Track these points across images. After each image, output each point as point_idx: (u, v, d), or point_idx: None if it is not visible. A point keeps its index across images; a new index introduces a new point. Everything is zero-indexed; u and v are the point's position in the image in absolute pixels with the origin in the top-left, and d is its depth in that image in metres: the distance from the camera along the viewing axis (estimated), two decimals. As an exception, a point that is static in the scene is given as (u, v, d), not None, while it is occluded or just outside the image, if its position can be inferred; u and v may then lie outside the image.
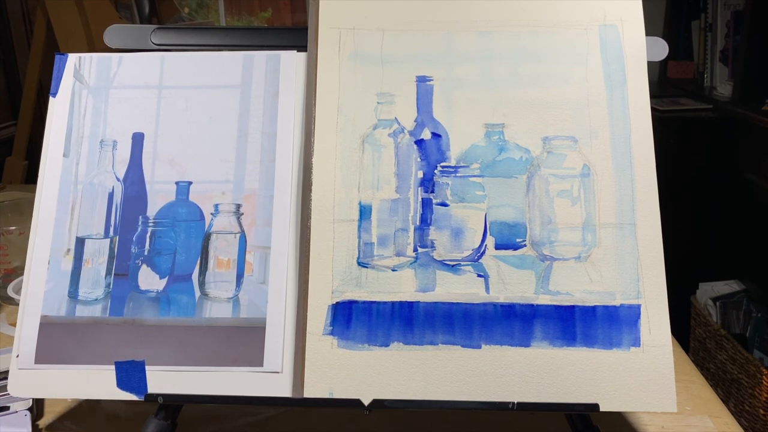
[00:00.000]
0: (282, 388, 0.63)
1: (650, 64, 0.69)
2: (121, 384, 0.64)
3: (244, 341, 0.65)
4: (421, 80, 0.69)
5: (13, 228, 1.05)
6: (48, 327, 0.66)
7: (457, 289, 0.64)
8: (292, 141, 0.70)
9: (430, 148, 0.68)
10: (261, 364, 0.64)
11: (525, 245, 0.65)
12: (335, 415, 0.76)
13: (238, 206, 0.69)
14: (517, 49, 0.69)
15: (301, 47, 0.71)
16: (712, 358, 1.76)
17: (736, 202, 2.01)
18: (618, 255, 0.64)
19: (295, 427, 0.75)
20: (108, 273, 0.68)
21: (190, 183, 0.69)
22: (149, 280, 0.68)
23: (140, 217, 0.69)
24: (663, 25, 2.44)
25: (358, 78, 0.69)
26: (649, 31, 0.69)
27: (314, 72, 0.69)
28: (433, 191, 0.67)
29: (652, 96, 0.70)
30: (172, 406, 0.67)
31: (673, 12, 2.41)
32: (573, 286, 0.64)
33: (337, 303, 0.64)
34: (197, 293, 0.67)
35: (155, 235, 0.68)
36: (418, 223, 0.66)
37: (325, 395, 0.62)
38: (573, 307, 0.63)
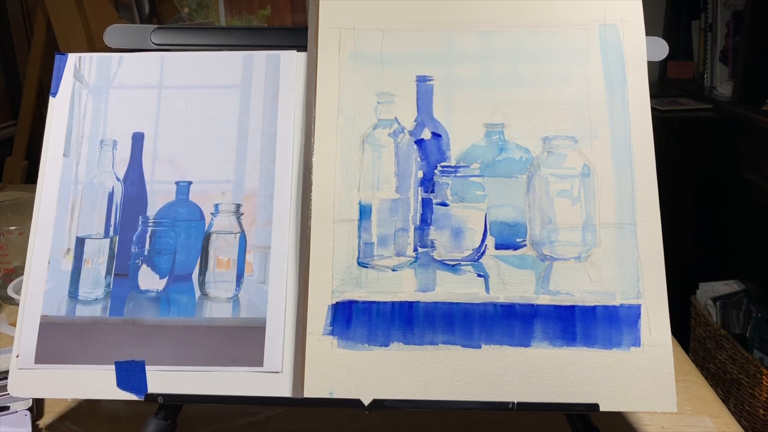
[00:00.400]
0: (282, 388, 0.63)
1: (650, 64, 0.69)
2: (121, 384, 0.64)
3: (244, 341, 0.65)
4: (421, 80, 0.69)
5: (13, 228, 1.05)
6: (48, 327, 0.66)
7: (457, 289, 0.64)
8: (292, 141, 0.70)
9: (430, 148, 0.68)
10: (261, 364, 0.64)
11: (525, 245, 0.65)
12: (335, 415, 0.76)
13: (238, 206, 0.69)
14: (517, 49, 0.69)
15: (301, 47, 0.71)
16: (712, 358, 1.76)
17: (736, 202, 2.01)
18: (618, 255, 0.64)
19: (295, 427, 0.75)
20: (108, 273, 0.68)
21: (190, 183, 0.69)
22: (149, 280, 0.68)
23: (140, 217, 0.69)
24: (663, 25, 2.44)
25: (358, 78, 0.69)
26: (649, 31, 0.69)
27: (314, 72, 0.69)
28: (433, 191, 0.67)
29: (652, 96, 0.70)
30: (172, 406, 0.67)
31: (673, 12, 2.41)
32: (573, 286, 0.64)
33: (337, 303, 0.64)
34: (197, 293, 0.67)
35: (155, 235, 0.68)
36: (418, 223, 0.66)
37: (325, 395, 0.62)
38: (573, 307, 0.63)
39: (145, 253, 0.68)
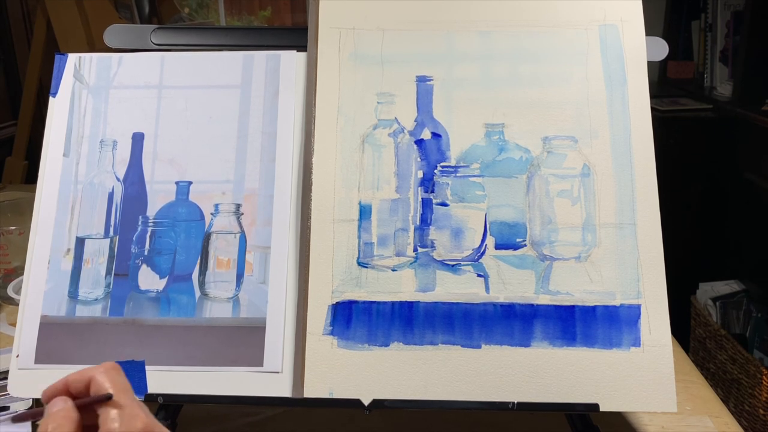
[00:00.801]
0: (282, 388, 0.63)
1: (650, 64, 0.69)
2: (121, 384, 0.64)
3: (244, 341, 0.65)
4: (421, 80, 0.69)
5: (13, 228, 1.05)
6: (48, 327, 0.66)
7: (457, 289, 0.64)
8: (292, 141, 0.70)
9: (430, 148, 0.68)
10: (261, 364, 0.64)
11: (525, 245, 0.65)
12: (335, 415, 0.76)
13: (238, 206, 0.69)
14: (517, 49, 0.69)
15: (301, 47, 0.71)
16: (712, 358, 1.76)
17: (736, 202, 2.01)
18: (618, 255, 0.64)
19: (295, 427, 0.75)
20: (108, 273, 0.68)
21: (190, 183, 0.69)
22: (149, 280, 0.67)
23: (140, 217, 0.69)
24: (663, 25, 2.44)
25: (358, 78, 0.69)
26: (649, 31, 0.69)
27: (314, 72, 0.69)
28: (433, 191, 0.67)
29: (652, 96, 0.70)
30: (172, 406, 0.67)
31: (673, 12, 2.41)
32: (573, 286, 0.64)
33: (337, 303, 0.64)
34: (197, 293, 0.67)
35: (155, 235, 0.68)
36: (418, 223, 0.66)
37: (325, 395, 0.62)
38: (573, 307, 0.63)
39: (145, 253, 0.68)
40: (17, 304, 0.75)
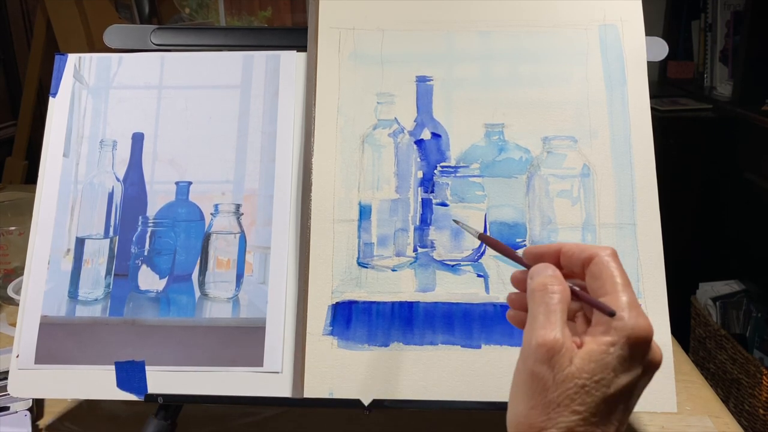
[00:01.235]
0: (282, 388, 0.63)
1: (650, 64, 0.69)
2: (121, 384, 0.64)
3: (244, 341, 0.65)
4: (421, 80, 0.69)
5: (13, 228, 1.05)
6: (48, 327, 0.66)
7: (457, 289, 0.64)
8: (292, 141, 0.70)
9: (430, 148, 0.68)
10: (261, 365, 0.64)
11: (525, 245, 0.65)
12: (335, 415, 0.76)
13: (238, 206, 0.69)
14: (517, 49, 0.69)
15: (301, 47, 0.71)
16: (712, 358, 1.76)
17: (736, 202, 2.01)
18: (618, 255, 0.64)
19: (295, 427, 0.75)
20: (108, 273, 0.68)
21: (190, 183, 0.69)
22: (149, 280, 0.68)
23: (140, 217, 0.69)
24: (663, 25, 2.44)
25: (358, 78, 0.69)
26: (649, 31, 0.69)
27: (314, 72, 0.69)
28: (432, 191, 0.67)
29: (652, 96, 0.70)
30: (172, 406, 0.67)
31: (673, 12, 2.41)
32: (573, 286, 0.64)
33: (337, 303, 0.64)
34: (197, 293, 0.67)
35: (155, 235, 0.68)
36: (417, 223, 0.66)
37: (325, 395, 0.62)
38: (573, 307, 0.63)
39: (145, 253, 0.68)
40: (17, 304, 0.75)
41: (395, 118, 0.68)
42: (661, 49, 0.71)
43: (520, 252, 0.47)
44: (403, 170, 0.67)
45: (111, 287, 0.67)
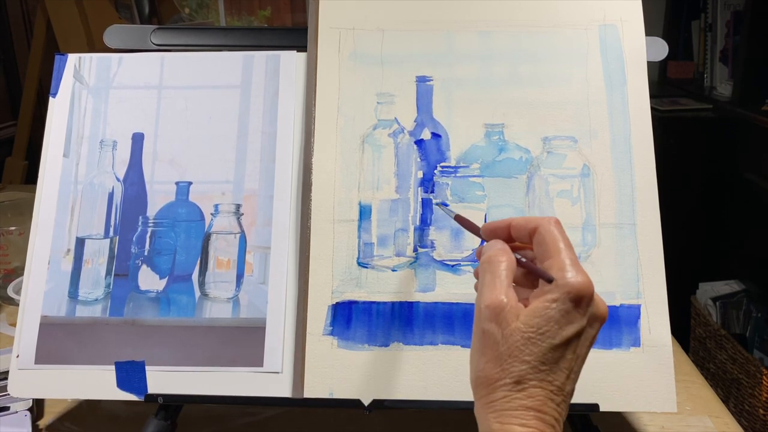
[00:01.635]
0: (282, 388, 0.63)
1: (650, 64, 0.69)
2: (121, 384, 0.64)
3: (244, 341, 0.65)
4: (421, 80, 0.69)
5: (13, 228, 1.05)
6: (48, 327, 0.66)
7: (457, 289, 0.64)
8: (292, 141, 0.70)
9: (430, 148, 0.68)
10: (261, 365, 0.64)
11: (525, 245, 0.65)
12: (335, 415, 0.76)
13: (238, 206, 0.69)
14: (517, 49, 0.69)
15: (301, 47, 0.71)
16: (712, 358, 1.76)
17: (736, 202, 2.01)
18: (618, 255, 0.64)
19: (295, 427, 0.75)
20: (108, 273, 0.68)
21: (190, 183, 0.69)
22: (149, 280, 0.68)
23: (140, 217, 0.69)
24: (663, 25, 2.44)
25: (358, 78, 0.69)
26: (649, 31, 0.69)
27: (314, 72, 0.69)
28: (433, 191, 0.67)
29: (652, 96, 0.70)
30: (172, 406, 0.67)
31: (673, 12, 2.41)
32: (573, 286, 0.64)
33: (337, 303, 0.64)
34: (197, 293, 0.67)
35: (155, 236, 0.68)
36: (418, 223, 0.66)
37: (325, 395, 0.62)
38: (573, 307, 0.63)
39: (145, 253, 0.68)
40: (17, 305, 0.75)
41: (395, 118, 0.68)
42: (661, 49, 0.71)
43: (482, 229, 0.52)
44: (403, 170, 0.67)
45: (111, 287, 0.67)
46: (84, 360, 0.65)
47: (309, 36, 0.71)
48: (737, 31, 2.12)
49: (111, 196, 0.70)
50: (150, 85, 0.72)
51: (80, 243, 0.69)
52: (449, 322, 0.64)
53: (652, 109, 0.68)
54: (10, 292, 0.97)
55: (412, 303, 0.64)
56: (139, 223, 0.69)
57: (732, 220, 2.05)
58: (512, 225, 0.49)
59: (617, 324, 0.63)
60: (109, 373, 0.65)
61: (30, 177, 1.98)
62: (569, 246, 0.46)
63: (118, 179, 0.70)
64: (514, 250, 0.48)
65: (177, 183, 0.70)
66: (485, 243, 0.49)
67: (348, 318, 0.64)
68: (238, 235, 0.68)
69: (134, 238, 0.69)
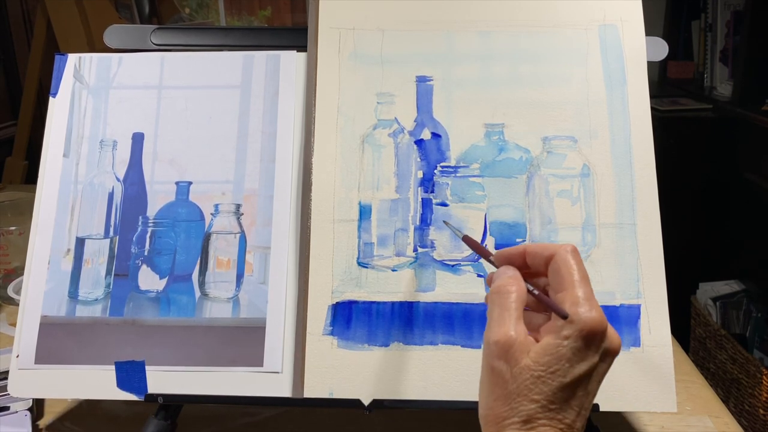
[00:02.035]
0: (282, 388, 0.63)
1: (650, 64, 0.69)
2: (121, 384, 0.64)
3: (244, 341, 0.65)
4: (421, 80, 0.69)
5: (13, 228, 1.05)
6: (48, 327, 0.66)
7: (457, 289, 0.64)
8: (292, 141, 0.70)
9: (430, 148, 0.68)
10: (261, 364, 0.64)
11: (525, 245, 0.65)
12: (335, 415, 0.76)
13: (238, 206, 0.69)
14: (517, 49, 0.69)
15: (301, 47, 0.71)
16: (712, 358, 1.76)
17: (736, 202, 2.01)
18: (618, 255, 0.64)
19: (295, 427, 0.75)
20: (108, 273, 0.68)
21: (190, 183, 0.69)
22: (149, 280, 0.68)
23: (140, 217, 0.69)
24: (663, 25, 2.44)
25: (358, 78, 0.69)
26: (649, 31, 0.69)
27: (314, 72, 0.69)
28: (433, 191, 0.67)
29: (652, 96, 0.70)
30: (172, 406, 0.67)
31: (673, 12, 2.41)
32: (573, 286, 0.64)
33: (337, 303, 0.64)
34: (197, 293, 0.67)
35: (155, 235, 0.68)
36: (418, 223, 0.66)
37: (325, 395, 0.62)
38: (573, 307, 0.63)
39: (145, 253, 0.68)
40: (17, 304, 0.75)
41: (395, 118, 0.68)
42: (661, 49, 0.71)
43: (495, 256, 0.50)
44: (403, 170, 0.67)
45: (111, 287, 0.67)
46: (84, 360, 0.65)
47: (309, 36, 0.71)
48: (737, 31, 2.12)
49: (111, 196, 0.70)
50: (150, 85, 0.72)
51: (80, 243, 0.69)
52: (449, 322, 0.64)
53: (652, 109, 0.68)
54: (10, 292, 0.97)
55: (412, 303, 0.64)
56: (139, 223, 0.69)
57: (732, 220, 2.05)
58: (527, 251, 0.47)
59: (617, 324, 0.63)
60: (109, 373, 0.65)
61: (30, 177, 1.98)
62: (585, 278, 0.44)
63: (118, 179, 0.70)
64: (528, 277, 0.46)
65: (177, 183, 0.70)
66: (497, 270, 0.48)
67: (348, 318, 0.64)
68: (238, 235, 0.68)
69: (134, 238, 0.69)
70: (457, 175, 0.67)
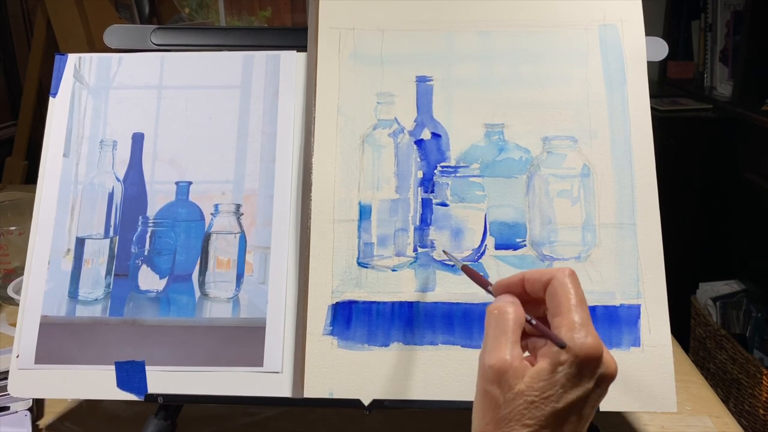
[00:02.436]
0: (282, 388, 0.63)
1: (650, 64, 0.69)
2: (121, 384, 0.64)
3: (244, 341, 0.65)
4: (421, 80, 0.69)
5: (13, 228, 1.05)
6: (48, 327, 0.66)
7: (457, 289, 0.64)
8: (292, 141, 0.70)
9: (430, 148, 0.68)
10: (261, 364, 0.64)
11: (525, 245, 0.65)
12: (335, 415, 0.76)
13: (238, 206, 0.69)
14: (517, 49, 0.69)
15: (301, 47, 0.71)
16: (712, 358, 1.76)
17: (736, 202, 2.01)
18: (618, 255, 0.64)
19: (295, 427, 0.75)
20: (108, 273, 0.68)
21: (190, 183, 0.69)
22: (149, 280, 0.68)
23: (140, 217, 0.69)
24: (663, 25, 2.44)
25: (358, 78, 0.69)
26: (649, 31, 0.69)
27: (314, 72, 0.69)
28: (432, 191, 0.67)
29: (652, 96, 0.70)
30: (172, 406, 0.67)
31: (673, 12, 2.41)
32: (573, 286, 0.64)
33: (337, 303, 0.64)
34: (197, 293, 0.67)
35: (155, 235, 0.68)
36: (418, 223, 0.66)
37: (325, 395, 0.62)
38: (573, 307, 0.63)
39: (145, 253, 0.68)
40: (17, 304, 0.75)
41: (395, 118, 0.68)
42: (661, 49, 0.71)
43: (495, 286, 0.49)
44: (403, 170, 0.67)
45: (111, 287, 0.67)
46: (84, 360, 0.65)
47: (309, 36, 0.71)
48: (737, 31, 2.12)
49: (111, 196, 0.70)
50: (150, 85, 0.72)
51: (80, 243, 0.69)
52: (449, 322, 0.64)
53: (652, 109, 0.68)
54: (10, 292, 0.97)
55: (412, 303, 0.64)
56: (139, 223, 0.69)
57: (732, 220, 2.05)
58: (526, 278, 0.47)
59: (617, 324, 0.63)
60: (109, 373, 0.65)
61: (30, 177, 1.98)
62: (582, 302, 0.44)
63: (118, 179, 0.70)
64: (528, 306, 0.46)
65: (177, 183, 0.70)
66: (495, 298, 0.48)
67: (348, 318, 0.64)
68: (238, 235, 0.68)
69: (134, 238, 0.69)
70: (457, 175, 0.67)
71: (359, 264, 0.65)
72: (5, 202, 1.13)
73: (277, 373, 0.64)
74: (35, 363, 0.66)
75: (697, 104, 2.14)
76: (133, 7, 2.09)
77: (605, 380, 0.43)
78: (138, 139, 0.71)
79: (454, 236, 0.66)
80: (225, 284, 0.67)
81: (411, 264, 0.65)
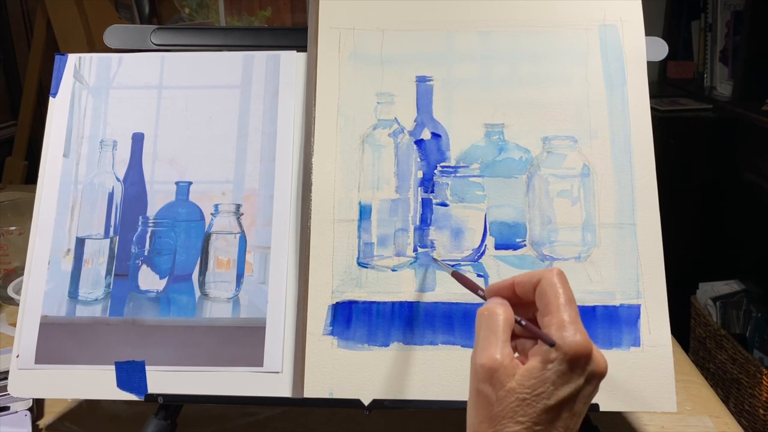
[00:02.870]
0: (282, 388, 0.63)
1: (650, 64, 0.69)
2: (121, 384, 0.64)
3: (244, 341, 0.65)
4: (421, 80, 0.69)
5: (13, 228, 1.05)
6: (48, 327, 0.66)
7: (457, 289, 0.64)
8: (292, 141, 0.70)
9: (430, 148, 0.68)
10: (261, 364, 0.64)
11: (525, 245, 0.65)
12: (335, 415, 0.76)
13: (238, 206, 0.69)
14: (517, 49, 0.69)
15: (301, 47, 0.71)
16: (712, 358, 1.76)
17: (736, 202, 2.01)
18: (618, 255, 0.64)
19: (295, 427, 0.75)
20: (108, 273, 0.68)
21: (190, 183, 0.70)
22: (149, 280, 0.68)
23: (140, 217, 0.69)
24: (663, 25, 2.44)
25: (358, 78, 0.69)
26: (649, 31, 0.69)
27: (314, 72, 0.69)
28: (432, 191, 0.67)
29: (652, 96, 0.70)
30: (172, 406, 0.67)
31: (673, 12, 2.41)
32: (573, 286, 0.63)
33: (337, 303, 0.64)
34: (197, 293, 0.67)
35: (155, 235, 0.68)
36: (418, 223, 0.66)
37: (325, 395, 0.62)
38: (573, 307, 0.63)
39: (145, 253, 0.68)
40: (17, 304, 0.75)
41: (395, 118, 0.68)
42: (661, 49, 0.71)
43: (486, 291, 0.51)
44: (403, 170, 0.67)
45: (111, 287, 0.67)
46: (84, 360, 0.65)
47: (309, 36, 0.71)
48: (737, 31, 2.12)
49: (111, 196, 0.70)
50: (150, 85, 0.72)
51: (80, 243, 0.69)
52: (449, 322, 0.64)
53: (652, 109, 0.68)
54: (10, 292, 0.98)
55: (412, 303, 0.64)
56: (139, 223, 0.69)
57: (732, 220, 2.05)
58: (516, 282, 0.48)
59: (617, 324, 0.63)
60: (109, 373, 0.65)
61: (30, 177, 1.98)
62: (570, 301, 0.45)
63: (118, 179, 0.70)
64: (518, 309, 0.47)
65: (177, 183, 0.70)
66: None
67: (348, 318, 0.64)
68: (238, 235, 0.68)
69: (134, 238, 0.69)
70: (457, 175, 0.67)
71: (359, 264, 0.65)
72: (5, 202, 1.13)
73: (277, 373, 0.64)
74: (35, 363, 0.66)
75: (697, 104, 2.14)
76: (133, 7, 2.09)
77: (595, 377, 0.44)
78: (138, 139, 0.71)
79: (454, 236, 0.66)
80: (225, 284, 0.67)
81: (411, 264, 0.65)
